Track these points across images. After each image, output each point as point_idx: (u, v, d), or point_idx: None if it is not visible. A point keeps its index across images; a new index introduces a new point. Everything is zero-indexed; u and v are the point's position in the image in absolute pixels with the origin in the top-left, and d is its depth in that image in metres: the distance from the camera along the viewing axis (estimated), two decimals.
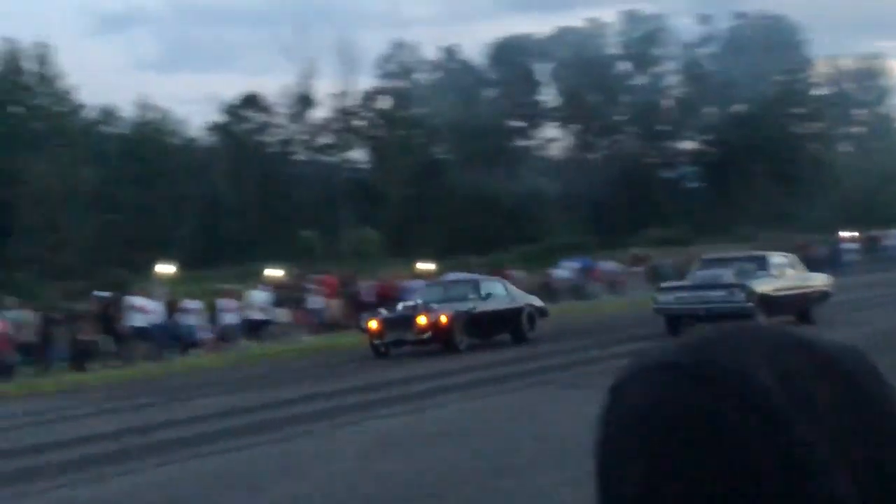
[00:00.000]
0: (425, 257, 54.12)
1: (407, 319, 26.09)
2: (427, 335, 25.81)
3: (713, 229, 75.43)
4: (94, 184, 71.78)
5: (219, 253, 72.19)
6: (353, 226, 75.68)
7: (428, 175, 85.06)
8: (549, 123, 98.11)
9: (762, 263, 27.88)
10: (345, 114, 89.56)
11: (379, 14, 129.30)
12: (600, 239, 73.89)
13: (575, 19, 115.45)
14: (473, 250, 65.74)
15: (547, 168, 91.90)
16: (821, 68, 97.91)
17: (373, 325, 26.60)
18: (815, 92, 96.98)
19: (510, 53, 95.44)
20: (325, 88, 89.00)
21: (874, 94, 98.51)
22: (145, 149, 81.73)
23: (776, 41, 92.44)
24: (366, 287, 39.39)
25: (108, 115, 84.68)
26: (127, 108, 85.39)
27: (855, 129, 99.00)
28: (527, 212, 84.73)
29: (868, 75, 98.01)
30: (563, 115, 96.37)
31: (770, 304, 25.49)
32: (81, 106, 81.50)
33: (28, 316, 30.76)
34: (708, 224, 79.96)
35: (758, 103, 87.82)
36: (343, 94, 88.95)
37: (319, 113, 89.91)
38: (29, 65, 78.06)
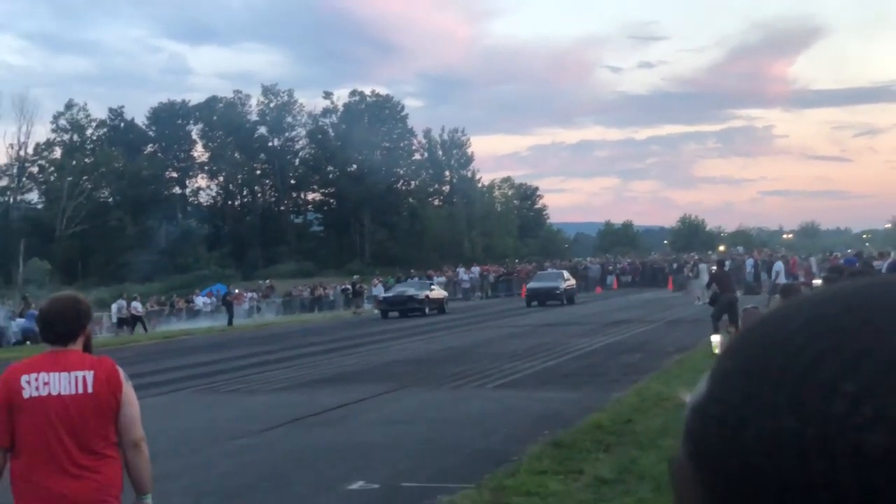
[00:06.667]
0: (92, 285, 63.93)
1: None
2: None
3: (332, 265, 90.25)
4: None
5: None
6: (26, 258, 79.35)
7: (96, 215, 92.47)
8: (199, 174, 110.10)
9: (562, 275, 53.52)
10: (21, 160, 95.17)
11: (52, 74, 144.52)
12: (241, 272, 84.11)
13: (226, 91, 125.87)
14: (135, 279, 74.26)
15: (197, 211, 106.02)
16: (419, 138, 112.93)
17: None
18: (414, 156, 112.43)
19: (169, 115, 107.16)
20: (5, 138, 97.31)
21: (458, 162, 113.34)
22: None
23: (384, 114, 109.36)
24: None
25: None
26: None
27: (444, 188, 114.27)
28: (181, 248, 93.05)
29: (454, 146, 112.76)
30: (211, 168, 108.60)
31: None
32: None
33: None
34: (329, 260, 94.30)
35: (369, 164, 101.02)
36: (21, 144, 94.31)
37: None
38: None
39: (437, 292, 49.32)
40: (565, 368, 21.30)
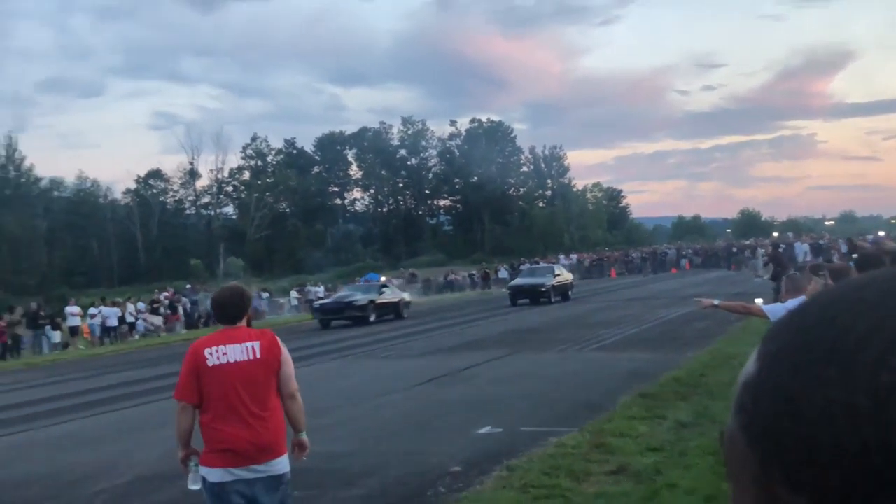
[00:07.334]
0: (276, 277, 66.93)
1: None
2: None
3: (459, 255, 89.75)
4: (45, 230, 78.03)
5: (137, 277, 78.74)
6: (226, 258, 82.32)
7: (277, 222, 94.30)
8: (354, 188, 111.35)
9: (552, 269, 39.37)
10: (219, 182, 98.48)
11: (240, 114, 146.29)
12: (389, 263, 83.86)
13: (370, 122, 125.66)
14: (306, 271, 75.88)
15: (354, 217, 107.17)
16: (525, 154, 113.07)
17: None
18: (521, 169, 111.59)
19: (330, 143, 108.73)
20: (206, 164, 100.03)
21: (557, 172, 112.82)
22: (82, 207, 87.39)
23: (497, 136, 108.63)
24: None
25: (56, 183, 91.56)
26: (69, 179, 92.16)
27: (546, 193, 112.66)
28: (342, 245, 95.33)
29: (553, 159, 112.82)
30: (363, 183, 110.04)
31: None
32: (38, 178, 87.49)
33: None
34: (456, 253, 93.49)
35: (486, 176, 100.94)
36: (218, 169, 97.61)
37: (203, 182, 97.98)
38: None
39: (390, 295, 34.89)
40: (648, 334, 20.95)
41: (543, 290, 36.07)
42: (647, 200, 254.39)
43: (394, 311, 33.99)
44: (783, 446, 0.56)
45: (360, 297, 33.14)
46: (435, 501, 7.60)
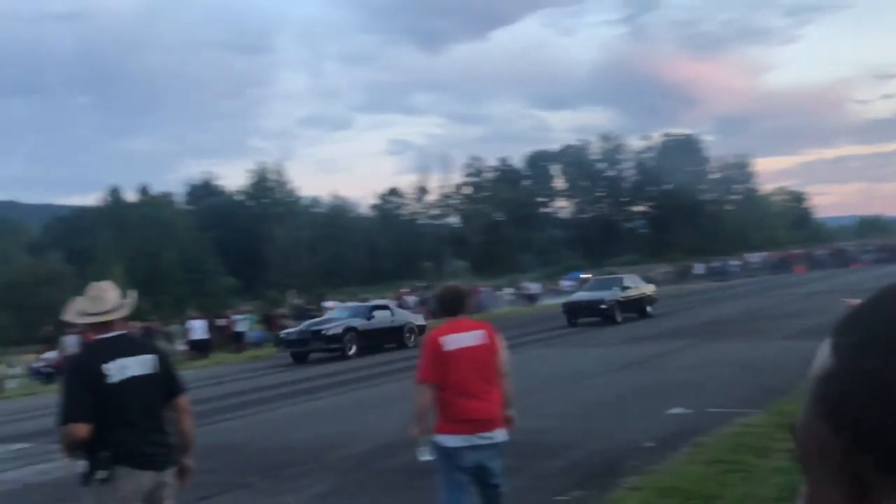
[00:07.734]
0: (493, 276, 65.89)
1: None
2: None
3: (655, 256, 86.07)
4: (306, 241, 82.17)
5: (379, 277, 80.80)
6: (451, 260, 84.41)
7: (493, 229, 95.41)
8: (559, 198, 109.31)
9: (620, 281, 28.28)
10: (445, 196, 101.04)
11: (461, 138, 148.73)
12: (590, 263, 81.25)
13: (572, 140, 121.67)
14: (518, 270, 77.64)
15: (559, 223, 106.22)
16: (713, 163, 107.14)
17: None
18: (710, 176, 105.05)
19: (537, 159, 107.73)
20: (434, 182, 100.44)
21: (744, 178, 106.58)
22: (336, 221, 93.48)
23: (687, 148, 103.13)
24: None
25: (314, 202, 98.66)
26: (325, 197, 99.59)
27: (734, 198, 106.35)
28: (549, 248, 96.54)
29: (739, 167, 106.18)
30: (567, 193, 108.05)
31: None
32: (300, 197, 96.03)
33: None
34: (652, 253, 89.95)
35: (678, 183, 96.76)
36: (444, 186, 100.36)
37: (431, 196, 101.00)
38: (271, 175, 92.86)
39: (387, 320, 23.88)
40: (830, 324, 19.56)
41: (604, 306, 26.01)
42: (830, 201, 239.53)
43: (394, 338, 23.51)
44: (876, 432, 0.50)
45: (333, 325, 22.66)
46: (630, 472, 7.46)
